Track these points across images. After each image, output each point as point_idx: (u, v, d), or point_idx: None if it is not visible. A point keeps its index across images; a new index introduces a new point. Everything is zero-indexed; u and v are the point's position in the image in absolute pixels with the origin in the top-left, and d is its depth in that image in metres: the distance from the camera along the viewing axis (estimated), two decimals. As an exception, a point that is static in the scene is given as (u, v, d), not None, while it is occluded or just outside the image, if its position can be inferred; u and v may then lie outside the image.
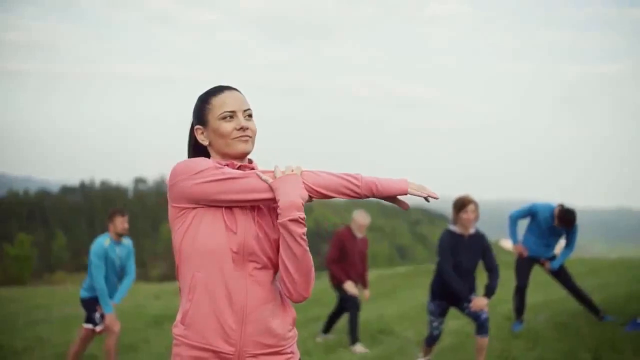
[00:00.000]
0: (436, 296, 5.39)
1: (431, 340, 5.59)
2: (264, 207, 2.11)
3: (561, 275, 6.89)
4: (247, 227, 2.05)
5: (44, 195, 74.27)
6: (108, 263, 6.02)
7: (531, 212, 6.85)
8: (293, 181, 2.02)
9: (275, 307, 2.08)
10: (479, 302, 5.14)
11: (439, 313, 5.44)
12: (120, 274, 6.21)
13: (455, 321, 7.40)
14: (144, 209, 70.68)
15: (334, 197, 2.10)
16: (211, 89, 2.18)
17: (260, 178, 2.03)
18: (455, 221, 5.28)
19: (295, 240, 2.00)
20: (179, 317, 2.09)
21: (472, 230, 5.31)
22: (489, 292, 5.24)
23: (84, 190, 77.15)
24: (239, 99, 2.14)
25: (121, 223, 6.07)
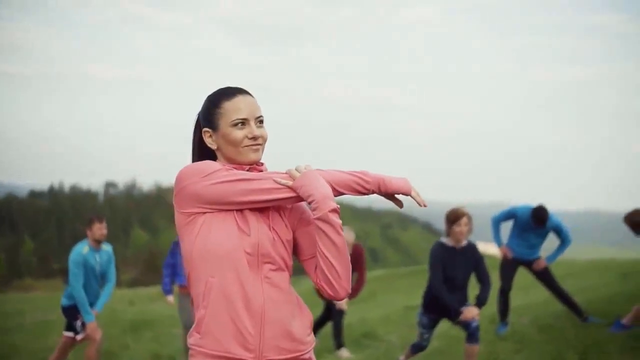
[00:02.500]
0: (428, 309, 5.34)
1: (418, 349, 5.55)
2: (275, 209, 2.05)
3: (546, 277, 6.93)
4: (260, 229, 1.99)
5: (11, 199, 72.77)
6: (88, 270, 5.88)
7: (512, 215, 6.89)
8: (316, 176, 1.98)
9: (293, 309, 2.02)
10: (469, 312, 5.10)
11: (430, 326, 5.40)
12: (102, 281, 6.08)
13: (441, 325, 7.36)
14: (115, 214, 69.81)
15: (344, 194, 2.07)
16: (222, 90, 2.10)
17: (275, 179, 1.97)
18: (448, 233, 5.22)
19: (337, 231, 1.95)
20: (193, 326, 2.00)
21: (464, 243, 5.27)
22: (480, 302, 5.20)
23: (53, 194, 75.88)
24: (252, 105, 2.07)
25: (99, 229, 5.94)
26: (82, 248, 5.89)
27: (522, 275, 7.49)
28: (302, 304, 2.08)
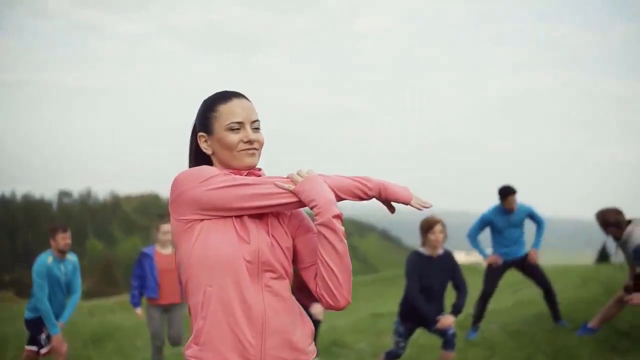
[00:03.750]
0: (405, 318, 5.31)
1: (393, 357, 5.51)
2: (274, 215, 2.00)
3: (536, 273, 6.92)
4: (259, 236, 1.93)
5: (-39, 209, 70.68)
6: (52, 281, 5.70)
7: (485, 222, 6.93)
8: (320, 181, 1.92)
9: (295, 318, 1.96)
10: (445, 320, 5.09)
11: (407, 335, 5.38)
12: (66, 292, 5.90)
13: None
14: (69, 223, 67.86)
15: (345, 199, 2.02)
16: (218, 94, 2.04)
17: (276, 184, 1.92)
18: (424, 243, 5.21)
19: (340, 237, 1.89)
20: (191, 337, 1.93)
21: (440, 251, 5.27)
22: (457, 310, 5.19)
23: (5, 203, 73.93)
24: (248, 109, 2.01)
25: (63, 239, 5.76)
26: (46, 258, 5.70)
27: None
28: (303, 313, 2.03)
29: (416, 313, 5.19)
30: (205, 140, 2.02)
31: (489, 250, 7.03)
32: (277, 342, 1.90)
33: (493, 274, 6.97)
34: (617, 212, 5.56)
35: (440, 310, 5.24)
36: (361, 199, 2.03)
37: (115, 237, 72.16)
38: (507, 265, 6.96)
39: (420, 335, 7.28)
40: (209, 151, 2.03)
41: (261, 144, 2.02)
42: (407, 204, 2.08)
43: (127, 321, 13.09)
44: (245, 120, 1.99)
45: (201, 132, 2.03)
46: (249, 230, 1.92)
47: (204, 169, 1.93)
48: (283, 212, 2.02)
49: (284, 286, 1.96)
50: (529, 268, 6.92)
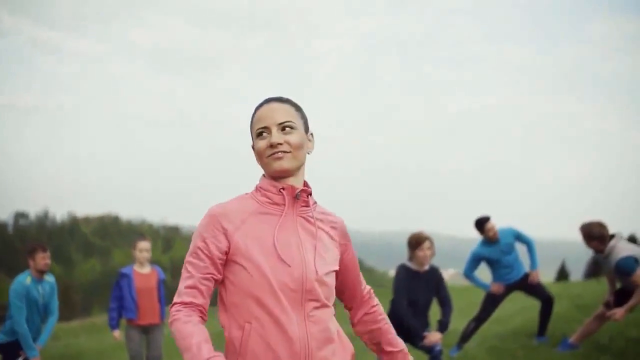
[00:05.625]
0: None
1: None
2: (321, 236, 1.91)
3: (539, 290, 6.92)
4: (304, 261, 1.82)
5: None
6: (30, 302, 5.54)
7: (477, 258, 6.95)
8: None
9: (335, 347, 1.88)
10: (433, 337, 5.11)
11: None
12: (44, 314, 5.73)
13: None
14: (25, 245, 66.54)
15: None
16: (260, 103, 1.96)
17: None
18: (411, 258, 5.25)
19: None
20: None
21: (427, 267, 5.29)
22: (443, 327, 5.21)
23: (-43, 226, 71.72)
24: (274, 112, 1.86)
25: (42, 259, 5.61)
26: (25, 279, 5.54)
27: (464, 297, 7.59)
28: (342, 337, 1.95)
29: (402, 328, 5.18)
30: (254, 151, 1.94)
31: (488, 281, 7.05)
32: None
33: (493, 300, 6.98)
34: (601, 226, 5.62)
35: (425, 325, 5.25)
36: None
37: (73, 260, 70.47)
38: (509, 289, 6.97)
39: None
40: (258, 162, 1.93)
41: (293, 145, 1.85)
42: None
43: (93, 344, 12.81)
44: (271, 123, 1.85)
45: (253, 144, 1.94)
46: (294, 255, 1.81)
47: (200, 222, 1.87)
48: (333, 227, 1.96)
49: (327, 314, 1.87)
50: (530, 287, 6.93)
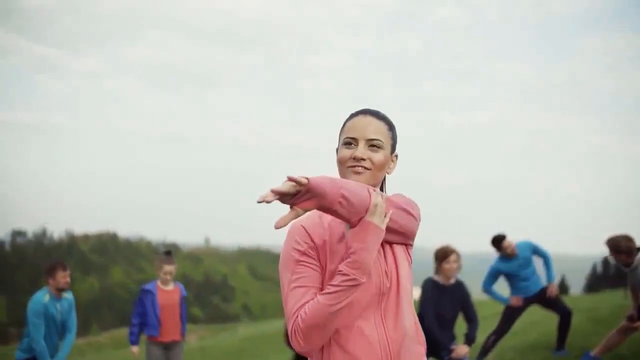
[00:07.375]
0: None
1: None
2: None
3: (557, 303, 6.95)
4: (377, 265, 1.81)
5: None
6: (48, 320, 5.49)
7: (494, 274, 6.99)
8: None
9: (412, 345, 1.85)
10: (460, 350, 5.09)
11: None
12: (61, 331, 5.68)
13: None
14: (23, 263, 66.44)
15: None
16: (354, 112, 1.97)
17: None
18: (438, 271, 5.26)
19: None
20: None
21: (452, 280, 5.28)
22: (470, 340, 5.22)
23: (-45, 244, 71.49)
24: (366, 126, 1.88)
25: (63, 277, 5.58)
26: (43, 296, 5.49)
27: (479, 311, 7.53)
28: (419, 331, 1.91)
29: (430, 341, 5.15)
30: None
31: (506, 294, 7.09)
32: None
33: (512, 313, 7.01)
34: (628, 239, 5.61)
35: (452, 339, 5.23)
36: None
37: (72, 278, 70.25)
38: (527, 302, 6.99)
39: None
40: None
41: (376, 164, 1.86)
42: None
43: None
44: (360, 137, 1.87)
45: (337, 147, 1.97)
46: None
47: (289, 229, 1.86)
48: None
49: (401, 310, 1.84)
50: (548, 301, 6.95)
